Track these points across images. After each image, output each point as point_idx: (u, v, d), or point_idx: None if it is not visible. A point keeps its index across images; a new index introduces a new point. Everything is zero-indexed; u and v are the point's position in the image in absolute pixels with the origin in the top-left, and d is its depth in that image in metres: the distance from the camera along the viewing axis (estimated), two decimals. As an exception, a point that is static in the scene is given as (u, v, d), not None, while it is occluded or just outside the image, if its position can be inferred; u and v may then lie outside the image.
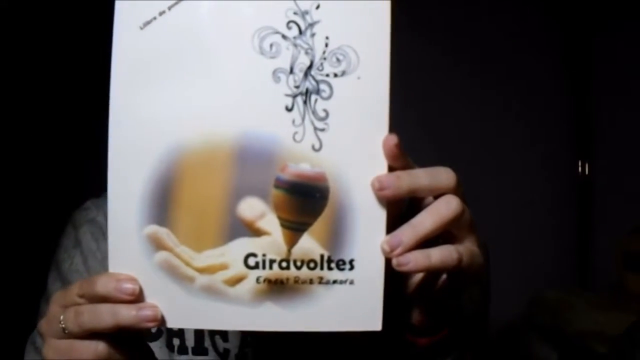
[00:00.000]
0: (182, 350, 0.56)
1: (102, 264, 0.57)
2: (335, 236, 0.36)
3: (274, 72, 0.35)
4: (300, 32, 0.35)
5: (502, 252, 0.36)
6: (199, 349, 0.56)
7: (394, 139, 0.35)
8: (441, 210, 0.36)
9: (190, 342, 0.56)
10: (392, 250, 0.35)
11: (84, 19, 1.00)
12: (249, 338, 0.56)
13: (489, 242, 0.39)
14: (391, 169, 0.36)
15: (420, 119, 1.20)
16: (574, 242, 1.36)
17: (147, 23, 0.35)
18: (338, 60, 0.35)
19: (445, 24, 1.32)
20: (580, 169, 1.36)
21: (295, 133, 0.35)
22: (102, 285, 0.35)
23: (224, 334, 0.56)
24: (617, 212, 1.25)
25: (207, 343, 0.56)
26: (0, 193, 1.05)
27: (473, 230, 0.38)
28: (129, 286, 0.35)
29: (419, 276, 0.39)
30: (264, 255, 0.36)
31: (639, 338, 0.91)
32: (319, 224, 0.36)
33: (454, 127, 1.32)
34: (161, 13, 0.35)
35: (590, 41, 1.35)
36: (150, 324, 0.35)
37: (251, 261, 0.36)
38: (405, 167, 0.36)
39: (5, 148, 1.06)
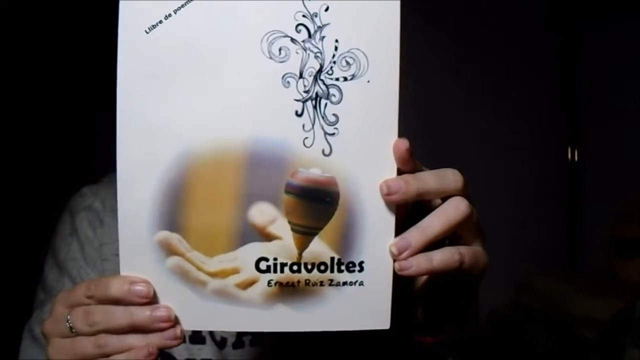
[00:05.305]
0: None
1: (99, 252, 0.57)
2: (345, 239, 0.36)
3: (284, 77, 0.35)
4: (310, 35, 0.35)
5: (491, 237, 0.37)
6: (196, 338, 0.56)
7: (405, 143, 0.35)
8: (449, 213, 0.36)
9: (187, 330, 0.56)
10: (400, 253, 0.35)
11: (89, 22, 0.99)
12: None
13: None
14: (400, 171, 0.36)
15: (410, 110, 1.20)
16: (563, 228, 1.37)
17: (153, 27, 0.35)
18: (348, 63, 0.35)
19: (435, 18, 1.31)
20: (569, 155, 1.37)
21: (306, 138, 0.35)
22: (116, 287, 0.35)
23: None
24: (606, 198, 1.26)
25: (205, 332, 0.56)
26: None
27: (480, 231, 0.38)
28: (142, 288, 0.35)
29: (424, 276, 0.39)
30: (275, 259, 0.36)
31: (627, 324, 0.93)
32: (329, 228, 0.36)
33: (442, 115, 1.32)
34: (167, 16, 0.35)
35: (579, 28, 1.35)
36: (164, 325, 0.35)
37: (263, 265, 0.36)
38: (413, 170, 0.36)
39: (3, 137, 1.04)
